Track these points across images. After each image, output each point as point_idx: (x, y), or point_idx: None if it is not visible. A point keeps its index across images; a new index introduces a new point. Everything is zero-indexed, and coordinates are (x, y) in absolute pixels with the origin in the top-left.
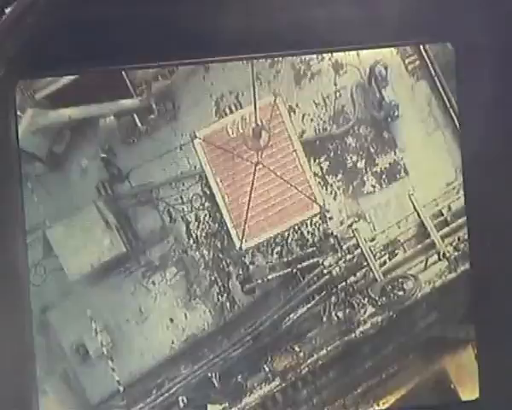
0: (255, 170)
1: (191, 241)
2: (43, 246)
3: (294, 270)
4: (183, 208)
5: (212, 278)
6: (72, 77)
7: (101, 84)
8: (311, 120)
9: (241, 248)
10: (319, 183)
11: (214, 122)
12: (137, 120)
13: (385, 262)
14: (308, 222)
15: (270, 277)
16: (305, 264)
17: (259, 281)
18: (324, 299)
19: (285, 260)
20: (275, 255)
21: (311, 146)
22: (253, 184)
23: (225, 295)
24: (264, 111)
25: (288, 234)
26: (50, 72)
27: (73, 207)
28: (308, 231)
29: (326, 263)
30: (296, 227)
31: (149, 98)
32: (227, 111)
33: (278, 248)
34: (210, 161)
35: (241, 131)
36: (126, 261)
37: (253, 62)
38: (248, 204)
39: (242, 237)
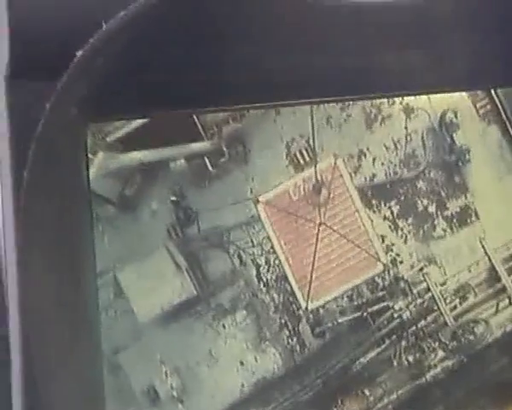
0: (318, 230)
1: (261, 284)
2: (114, 288)
3: (365, 314)
4: (253, 252)
5: (283, 322)
6: (143, 120)
7: (172, 127)
8: (382, 164)
9: (306, 308)
10: (389, 226)
11: (276, 186)
12: (208, 164)
13: (455, 307)
14: (381, 265)
15: (340, 320)
16: (375, 308)
17: (329, 324)
18: (395, 343)
19: (355, 303)
20: (345, 299)
21: (382, 190)
22: (316, 244)
23: (295, 338)
24: (325, 172)
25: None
26: (121, 115)
27: (144, 250)
28: (379, 275)
29: (396, 307)
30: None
31: (220, 141)
32: (297, 154)
33: (349, 292)
34: (273, 224)
35: (303, 192)
36: (197, 304)
37: (312, 110)
38: (313, 265)
39: (308, 299)
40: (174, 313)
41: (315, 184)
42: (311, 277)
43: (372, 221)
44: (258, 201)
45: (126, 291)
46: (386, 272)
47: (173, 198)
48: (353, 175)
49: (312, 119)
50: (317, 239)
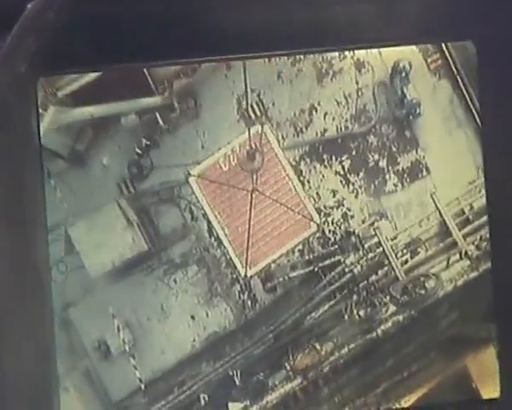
0: (252, 197)
1: (212, 239)
2: (64, 243)
3: (316, 268)
4: (203, 206)
5: (234, 277)
6: (94, 75)
7: (124, 82)
8: (333, 119)
9: (246, 275)
10: (341, 181)
11: (206, 158)
12: (159, 119)
13: (406, 261)
14: (329, 221)
15: (291, 275)
16: (326, 262)
17: (281, 279)
18: (346, 297)
19: (307, 258)
20: (296, 254)
21: (333, 145)
22: (250, 211)
23: (247, 293)
24: (254, 140)
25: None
26: (72, 69)
27: (95, 205)
28: (330, 230)
29: (348, 262)
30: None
31: (171, 96)
32: (249, 109)
33: (300, 247)
34: (206, 195)
35: (234, 162)
36: (148, 259)
37: (245, 65)
38: (248, 232)
39: (246, 265)
40: (125, 269)
41: (249, 150)
42: (248, 244)
43: (304, 184)
44: (189, 174)
45: (78, 246)
46: (337, 227)
47: (138, 151)
48: (284, 139)
49: (246, 74)
50: (251, 206)
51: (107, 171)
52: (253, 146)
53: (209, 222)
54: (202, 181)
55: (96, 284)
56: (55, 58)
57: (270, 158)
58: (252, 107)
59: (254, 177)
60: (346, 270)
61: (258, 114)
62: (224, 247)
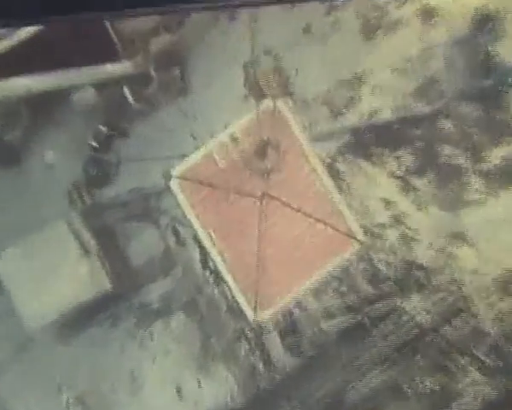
0: (261, 204)
1: (207, 272)
2: None
3: (361, 316)
4: (193, 223)
5: (239, 326)
6: (31, 30)
7: (76, 40)
8: (387, 93)
9: (255, 320)
10: (398, 186)
11: (196, 151)
12: (129, 95)
13: (496, 305)
14: (380, 245)
15: (324, 326)
16: (377, 307)
17: (309, 333)
18: (407, 359)
19: (348, 301)
20: (330, 294)
21: (387, 133)
22: (260, 227)
23: (258, 352)
24: (263, 123)
25: (350, 262)
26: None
27: (33, 223)
28: (380, 259)
29: (408, 307)
30: (363, 255)
31: (146, 61)
32: (261, 81)
33: (336, 284)
34: (194, 205)
35: (236, 155)
36: (112, 304)
37: (254, 15)
38: (258, 258)
39: (255, 306)
40: (78, 318)
41: (258, 142)
42: (258, 277)
43: (342, 190)
44: (169, 176)
45: (7, 285)
46: (393, 255)
47: (93, 143)
48: (312, 125)
49: (254, 27)
50: (261, 218)
51: (51, 172)
52: (265, 137)
53: (202, 246)
54: (190, 185)
55: (34, 340)
56: None
57: (288, 152)
58: (264, 77)
59: (265, 177)
60: (406, 318)
61: (274, 87)
62: (225, 282)
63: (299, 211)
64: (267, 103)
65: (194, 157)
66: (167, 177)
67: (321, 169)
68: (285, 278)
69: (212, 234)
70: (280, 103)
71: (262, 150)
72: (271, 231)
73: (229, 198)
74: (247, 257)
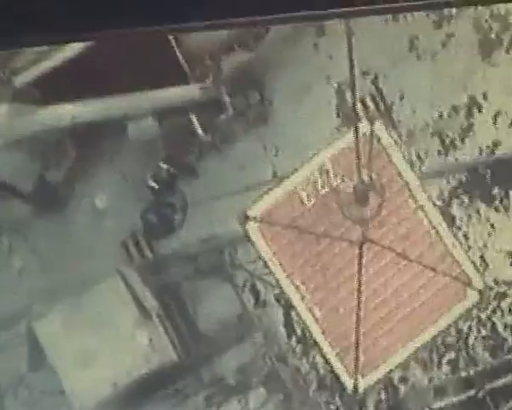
0: (360, 254)
1: (294, 340)
2: (28, 350)
3: (481, 392)
4: (278, 281)
5: (332, 408)
6: (77, 47)
7: (131, 60)
8: (511, 123)
9: (355, 390)
10: None
11: (273, 189)
12: (197, 125)
13: None
14: (505, 308)
15: (435, 406)
16: (499, 382)
17: None
18: None
19: (463, 373)
20: (444, 366)
21: (507, 169)
22: (360, 278)
23: None
24: (359, 153)
25: (470, 326)
26: (39, 38)
27: (81, 280)
28: (505, 325)
29: None
30: (477, 314)
31: (218, 85)
32: (358, 108)
33: (451, 354)
34: (278, 253)
35: (326, 191)
36: (178, 377)
37: (348, 27)
38: (358, 313)
39: (356, 373)
40: (137, 394)
41: (358, 185)
42: (358, 336)
43: (457, 238)
44: (246, 217)
45: (52, 356)
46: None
47: (153, 184)
48: (422, 160)
49: (351, 42)
50: (360, 268)
51: (102, 219)
52: (366, 178)
53: (287, 307)
54: (271, 228)
55: None
56: (10, 21)
57: (389, 186)
58: (362, 102)
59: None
60: None
61: (374, 114)
62: (317, 344)
63: (404, 257)
64: (363, 128)
65: (276, 195)
66: (243, 219)
67: (428, 206)
68: (390, 338)
69: (301, 287)
70: (378, 127)
71: (363, 197)
72: (372, 282)
73: (321, 243)
74: (344, 314)
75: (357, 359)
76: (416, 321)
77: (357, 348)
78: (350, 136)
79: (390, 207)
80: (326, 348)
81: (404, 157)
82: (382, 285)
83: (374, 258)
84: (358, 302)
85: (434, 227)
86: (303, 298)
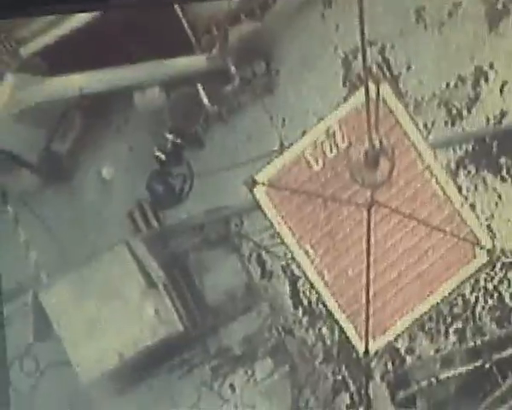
0: (369, 216)
1: (300, 311)
2: (33, 321)
3: (488, 363)
4: (284, 253)
5: (339, 379)
6: (84, 18)
7: (137, 30)
8: None
9: (367, 352)
10: None
11: (281, 154)
12: (203, 95)
13: None
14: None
15: (442, 376)
16: (506, 352)
17: (423, 384)
18: None
19: (470, 344)
20: (451, 336)
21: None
22: (368, 241)
23: (361, 409)
24: (360, 114)
25: (477, 296)
26: (44, 8)
27: (88, 251)
28: (511, 293)
29: None
30: (483, 284)
31: (225, 55)
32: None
33: (458, 324)
34: (286, 217)
35: (334, 155)
36: (184, 348)
37: None
38: (367, 276)
39: (366, 335)
40: (143, 365)
41: (369, 150)
42: (368, 299)
43: (463, 207)
44: (254, 182)
45: (58, 326)
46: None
47: (159, 154)
48: (430, 129)
49: (362, 9)
50: (369, 230)
51: (109, 190)
52: (376, 142)
53: (295, 276)
54: (279, 193)
55: (89, 394)
56: None
57: (396, 146)
58: (371, 70)
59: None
60: None
61: (382, 78)
62: (330, 311)
63: (413, 218)
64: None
65: (283, 160)
66: (251, 184)
67: (436, 166)
68: (400, 300)
69: (310, 251)
70: (384, 89)
71: (373, 160)
72: (381, 244)
73: (329, 207)
74: (354, 277)
75: (367, 321)
76: (425, 282)
77: (367, 310)
78: (356, 99)
79: (398, 169)
80: (336, 312)
81: (410, 119)
82: (391, 247)
83: (382, 220)
84: (367, 265)
85: (442, 188)
86: (312, 262)
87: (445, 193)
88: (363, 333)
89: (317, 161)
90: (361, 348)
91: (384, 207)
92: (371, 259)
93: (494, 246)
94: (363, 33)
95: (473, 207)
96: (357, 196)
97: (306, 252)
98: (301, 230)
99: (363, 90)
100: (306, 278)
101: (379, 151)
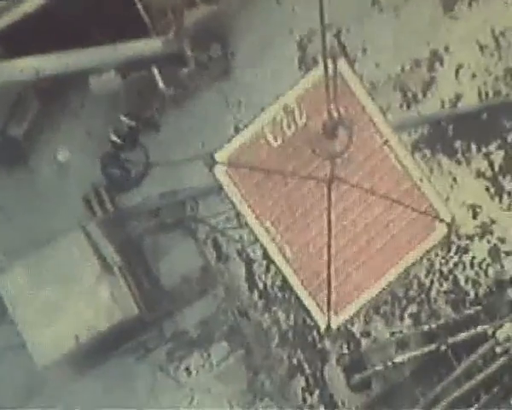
0: (329, 192)
1: (256, 295)
2: None
3: (443, 346)
4: (240, 236)
5: (294, 362)
6: (37, 2)
7: (93, 13)
8: (473, 75)
9: (329, 327)
10: (486, 188)
11: (239, 132)
12: (159, 78)
13: None
14: (466, 261)
15: (397, 360)
16: (461, 336)
17: (379, 368)
18: (498, 402)
19: (425, 327)
20: (406, 319)
21: (473, 124)
22: (329, 216)
23: (317, 392)
24: (322, 90)
25: (432, 280)
26: None
27: (43, 234)
28: (466, 278)
29: (501, 335)
30: (439, 268)
31: (181, 38)
32: (318, 58)
33: (413, 307)
34: (246, 195)
35: (293, 132)
36: (139, 332)
37: None
38: (329, 251)
39: (328, 310)
40: (99, 349)
41: (327, 120)
42: (329, 270)
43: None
44: (214, 161)
45: (13, 310)
46: (481, 270)
47: (115, 138)
48: (385, 113)
49: None
50: (329, 205)
51: (65, 173)
52: (335, 112)
53: (250, 260)
54: (239, 171)
55: (45, 377)
56: None
57: (358, 129)
58: (329, 52)
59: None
60: (498, 351)
61: (339, 53)
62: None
63: (372, 193)
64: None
65: (242, 138)
66: (210, 163)
67: (394, 141)
68: (362, 274)
69: (271, 228)
70: (341, 64)
71: (332, 130)
72: (342, 219)
73: (289, 183)
74: (315, 253)
75: (329, 296)
76: (386, 256)
77: (329, 285)
78: (314, 76)
79: (357, 144)
80: (298, 288)
81: (368, 94)
82: (352, 222)
83: (342, 196)
84: (329, 240)
85: (401, 162)
86: (273, 239)
87: (403, 167)
88: (325, 309)
89: (275, 139)
90: (323, 324)
91: (344, 182)
92: (332, 234)
93: (453, 219)
94: (321, 5)
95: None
96: (317, 172)
97: (267, 229)
98: (261, 207)
99: (320, 66)
100: (267, 255)
101: (337, 121)
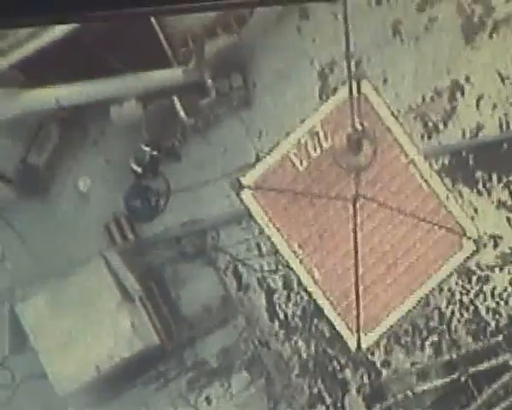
0: (355, 212)
1: (276, 325)
2: (8, 332)
3: (463, 376)
4: (261, 266)
5: (315, 392)
6: (62, 30)
7: (115, 43)
8: (494, 106)
9: (359, 348)
10: (508, 219)
11: (265, 156)
12: (180, 108)
13: None
14: (488, 291)
15: (418, 390)
16: (482, 366)
17: (399, 397)
18: None
19: (446, 357)
20: (427, 349)
21: (496, 154)
22: (356, 236)
23: None
24: (347, 112)
25: (452, 310)
26: (23, 18)
27: (64, 264)
28: (488, 308)
29: None
30: (459, 298)
31: (201, 68)
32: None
33: (433, 337)
34: (273, 218)
35: (318, 154)
36: (160, 361)
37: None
38: (356, 271)
39: (358, 331)
40: (119, 378)
41: (351, 134)
42: (358, 293)
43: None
44: (240, 186)
45: (34, 339)
46: (501, 300)
47: (136, 167)
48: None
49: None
50: (355, 224)
51: (85, 202)
52: (359, 126)
53: (271, 290)
54: (266, 194)
55: (65, 407)
56: None
57: (383, 148)
58: (354, 74)
59: (357, 176)
60: None
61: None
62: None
63: (399, 212)
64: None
65: (268, 162)
66: (237, 188)
67: (419, 160)
68: (390, 294)
69: (299, 250)
70: (365, 86)
71: (356, 143)
72: (369, 239)
73: (315, 205)
74: (343, 273)
75: (358, 317)
76: (414, 275)
77: (357, 306)
78: (338, 98)
79: (382, 163)
80: (327, 309)
81: (391, 114)
82: (379, 242)
83: (369, 215)
84: (356, 261)
85: (426, 181)
86: (301, 261)
87: (429, 186)
88: (354, 329)
89: (301, 162)
90: (353, 345)
91: (370, 201)
92: (359, 254)
93: (480, 236)
94: (347, 30)
95: None
96: (343, 193)
97: (295, 251)
98: (289, 230)
99: (343, 90)
100: (296, 277)
101: (361, 135)
